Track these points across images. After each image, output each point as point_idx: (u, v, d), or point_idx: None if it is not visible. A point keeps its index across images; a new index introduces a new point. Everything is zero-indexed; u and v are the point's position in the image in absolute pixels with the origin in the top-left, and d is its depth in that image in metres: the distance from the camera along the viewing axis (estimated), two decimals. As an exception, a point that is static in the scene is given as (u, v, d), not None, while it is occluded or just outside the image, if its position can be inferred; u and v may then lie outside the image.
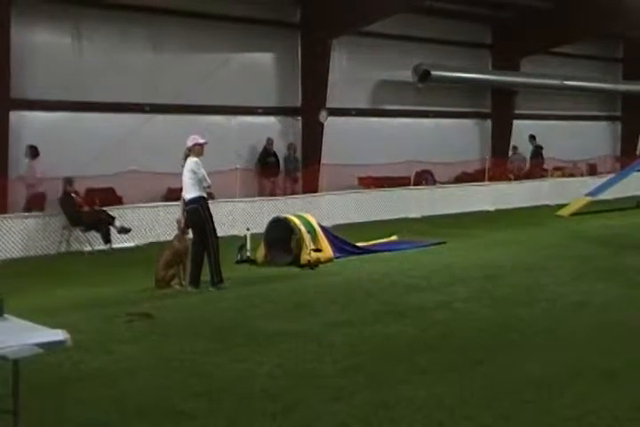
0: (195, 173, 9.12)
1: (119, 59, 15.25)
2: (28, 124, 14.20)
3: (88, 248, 12.45)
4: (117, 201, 14.17)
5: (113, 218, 12.67)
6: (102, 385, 5.63)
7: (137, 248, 13.00)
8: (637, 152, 25.28)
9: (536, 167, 22.35)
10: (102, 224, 12.54)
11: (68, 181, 12.65)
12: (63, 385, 5.66)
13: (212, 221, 9.30)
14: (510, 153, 22.55)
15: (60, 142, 14.20)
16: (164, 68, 15.89)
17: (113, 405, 5.22)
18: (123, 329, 7.31)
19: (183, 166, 9.29)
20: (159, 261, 9.44)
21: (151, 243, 13.01)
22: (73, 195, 12.67)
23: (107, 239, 12.55)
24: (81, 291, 9.31)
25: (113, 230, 12.64)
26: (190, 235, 9.54)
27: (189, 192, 9.21)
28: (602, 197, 18.75)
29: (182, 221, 9.48)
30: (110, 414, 5.07)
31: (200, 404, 5.22)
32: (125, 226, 12.77)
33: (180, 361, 6.23)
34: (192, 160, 9.22)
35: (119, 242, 12.86)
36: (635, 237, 13.36)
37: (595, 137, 25.83)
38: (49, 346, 4.34)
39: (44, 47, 14.37)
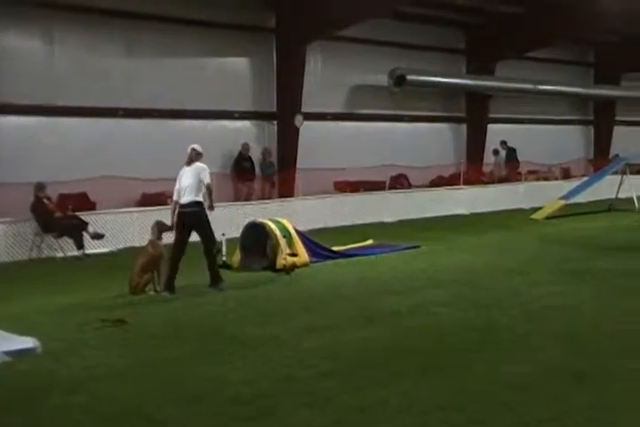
0: (205, 178, 9.41)
1: (93, 63, 15.10)
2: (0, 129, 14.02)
3: (60, 254, 12.31)
4: (91, 206, 14.02)
5: (86, 224, 12.54)
6: (74, 393, 5.56)
7: (110, 254, 12.88)
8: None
9: (512, 170, 22.53)
10: (75, 230, 12.40)
11: (40, 187, 12.50)
12: (34, 393, 5.58)
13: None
14: (493, 158, 22.72)
15: (32, 147, 14.05)
16: (138, 73, 15.77)
17: (85, 412, 5.17)
18: (96, 336, 7.23)
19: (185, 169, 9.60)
20: (134, 267, 9.36)
21: (125, 249, 12.90)
22: (45, 200, 12.52)
23: (80, 245, 12.41)
24: (53, 297, 9.19)
25: (86, 236, 12.51)
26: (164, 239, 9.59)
27: (193, 195, 9.34)
28: (575, 200, 18.93)
29: (173, 222, 9.49)
30: (82, 422, 5.01)
31: (174, 410, 5.18)
32: (99, 232, 12.66)
33: (153, 367, 6.18)
34: (204, 166, 9.54)
35: (92, 248, 12.74)
36: (608, 240, 13.49)
37: (568, 141, 26.10)
38: (19, 354, 4.27)
39: (16, 51, 14.19)
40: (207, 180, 9.40)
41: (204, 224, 9.45)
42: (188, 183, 9.38)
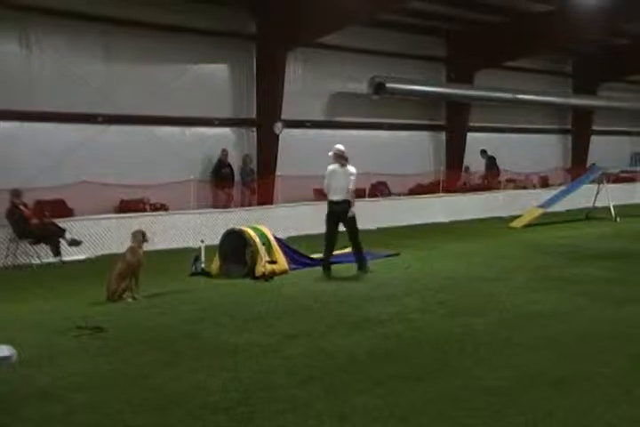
0: (354, 184, 11.02)
1: (71, 68, 14.97)
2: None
3: (37, 261, 12.16)
4: (68, 213, 13.88)
5: (63, 230, 12.39)
6: (50, 402, 5.48)
7: (88, 261, 12.75)
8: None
9: (493, 178, 22.67)
10: (52, 237, 12.25)
11: (16, 193, 12.33)
12: (9, 403, 5.50)
13: None
14: (463, 173, 22.89)
15: (8, 153, 13.90)
16: (117, 79, 15.68)
17: (62, 422, 5.09)
18: (72, 343, 7.15)
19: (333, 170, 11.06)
20: (111, 274, 9.27)
21: (103, 255, 12.78)
22: (21, 207, 12.36)
23: (56, 252, 12.26)
24: (28, 305, 9.07)
25: (63, 243, 12.36)
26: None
27: (343, 195, 10.91)
28: (553, 208, 19.08)
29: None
30: (58, 431, 4.94)
31: (152, 418, 5.12)
32: (76, 238, 12.50)
33: (131, 375, 6.11)
34: (354, 171, 11.04)
35: (70, 255, 12.58)
36: (585, 248, 13.61)
37: (546, 150, 26.32)
38: (-7, 361, 4.19)
39: (-7, 55, 14.08)
40: (353, 186, 10.97)
41: (349, 219, 10.96)
42: (341, 184, 10.92)
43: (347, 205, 10.95)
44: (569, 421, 4.92)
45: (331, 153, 11.17)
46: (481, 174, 22.99)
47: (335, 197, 10.99)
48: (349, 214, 10.94)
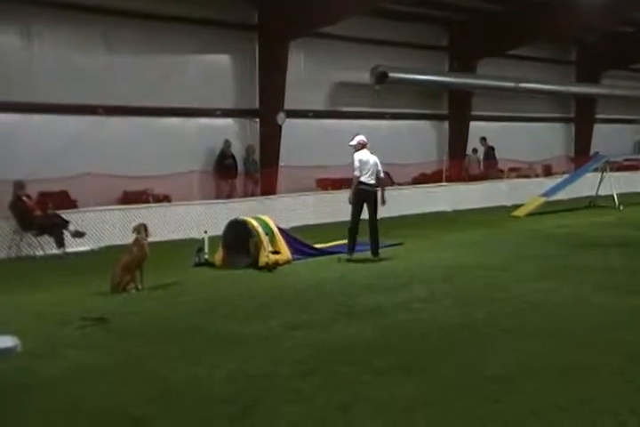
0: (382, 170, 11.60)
1: (72, 59, 14.97)
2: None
3: (40, 253, 12.19)
4: (71, 205, 13.91)
5: (67, 222, 12.43)
6: (55, 392, 5.51)
7: (92, 252, 12.78)
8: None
9: (490, 168, 22.61)
10: (55, 228, 12.28)
11: (19, 185, 12.37)
12: (13, 393, 5.52)
13: None
14: (471, 153, 22.78)
15: (10, 145, 13.91)
16: (119, 70, 15.67)
17: (66, 412, 5.11)
18: (77, 334, 7.17)
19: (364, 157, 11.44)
20: (117, 266, 9.28)
21: (106, 247, 12.81)
22: (24, 198, 12.39)
23: (60, 243, 12.30)
24: (32, 296, 9.10)
25: (67, 234, 12.39)
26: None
27: (374, 179, 11.40)
28: (556, 197, 19.05)
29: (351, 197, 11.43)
30: (63, 422, 4.96)
31: (156, 409, 5.14)
32: (79, 230, 12.54)
33: (135, 366, 6.13)
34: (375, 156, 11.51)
35: (73, 246, 12.61)
36: (588, 237, 13.58)
37: (549, 138, 26.25)
38: (-3, 353, 4.21)
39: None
40: (382, 173, 11.58)
41: (375, 202, 11.46)
42: (372, 169, 11.37)
43: (375, 187, 11.48)
44: (572, 410, 4.92)
45: (354, 142, 11.61)
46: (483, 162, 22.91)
47: (368, 180, 11.40)
48: (383, 204, 11.56)
